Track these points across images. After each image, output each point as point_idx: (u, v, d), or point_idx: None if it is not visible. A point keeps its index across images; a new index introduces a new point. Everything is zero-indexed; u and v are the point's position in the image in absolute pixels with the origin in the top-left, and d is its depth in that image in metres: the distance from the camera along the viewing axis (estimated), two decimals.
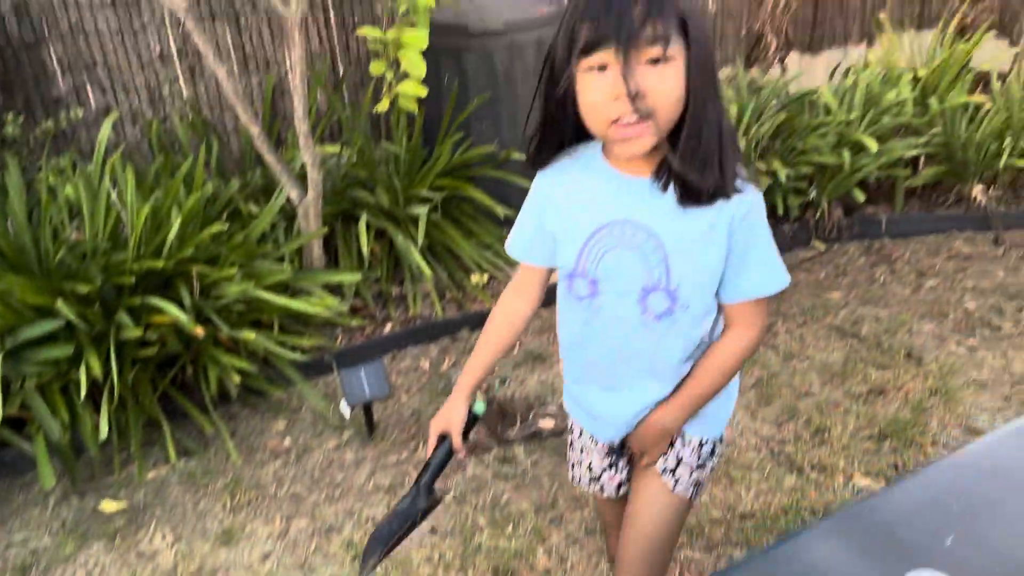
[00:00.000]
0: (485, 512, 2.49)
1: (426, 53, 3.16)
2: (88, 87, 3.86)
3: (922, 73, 4.40)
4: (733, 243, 1.27)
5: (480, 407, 1.54)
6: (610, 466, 1.67)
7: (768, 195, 3.86)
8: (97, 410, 2.68)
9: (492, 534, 2.40)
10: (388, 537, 1.46)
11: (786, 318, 3.44)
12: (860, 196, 3.94)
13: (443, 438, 1.53)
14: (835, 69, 4.85)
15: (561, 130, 1.31)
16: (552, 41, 1.25)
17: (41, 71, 3.73)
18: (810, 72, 5.49)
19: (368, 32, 3.23)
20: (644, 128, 1.17)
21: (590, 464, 1.68)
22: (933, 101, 4.15)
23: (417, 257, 3.60)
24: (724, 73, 5.38)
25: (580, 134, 1.30)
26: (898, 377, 2.99)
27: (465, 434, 1.55)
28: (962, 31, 5.51)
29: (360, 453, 2.80)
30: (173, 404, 2.92)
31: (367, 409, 2.84)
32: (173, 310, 2.56)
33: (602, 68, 1.16)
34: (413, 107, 3.24)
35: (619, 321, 1.39)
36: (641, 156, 1.22)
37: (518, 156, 3.95)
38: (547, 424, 2.88)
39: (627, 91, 1.13)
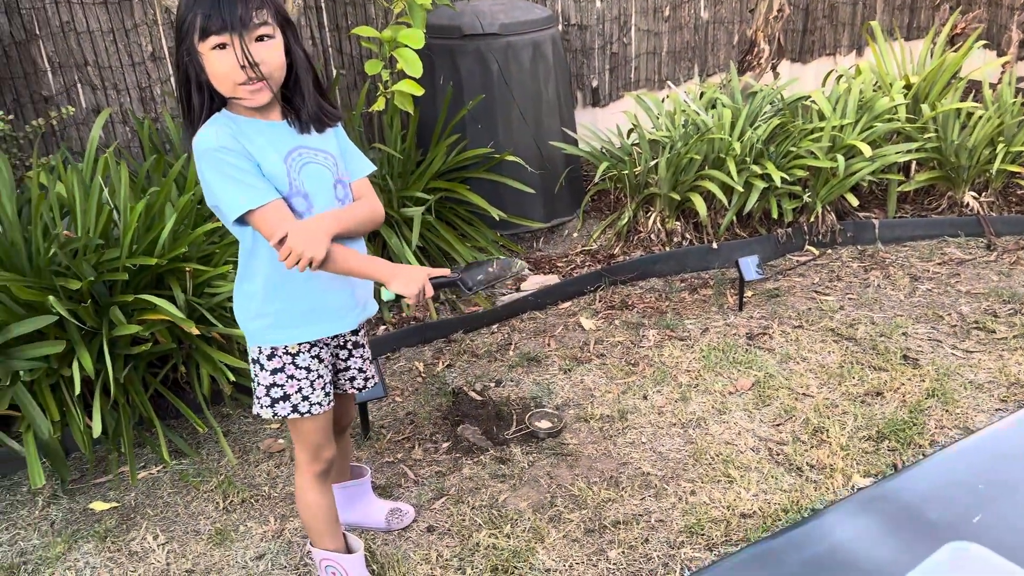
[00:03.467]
0: (482, 512, 2.46)
1: (421, 55, 3.15)
2: (79, 86, 3.82)
3: (914, 81, 4.43)
4: (341, 145, 1.89)
5: (388, 294, 1.88)
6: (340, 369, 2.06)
7: (762, 199, 3.87)
8: (86, 409, 2.63)
9: (490, 533, 2.37)
10: (489, 278, 1.93)
11: (781, 320, 3.44)
12: (853, 201, 3.96)
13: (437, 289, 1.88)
14: (827, 76, 4.88)
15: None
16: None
17: (31, 69, 3.70)
18: (800, 80, 5.52)
19: (363, 31, 3.21)
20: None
21: (324, 379, 1.93)
22: (925, 107, 4.18)
23: (411, 258, 3.57)
24: (716, 79, 5.41)
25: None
26: (895, 379, 2.99)
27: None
28: (952, 41, 5.57)
29: (355, 453, 2.76)
30: (164, 404, 2.88)
31: (363, 409, 2.81)
32: (168, 307, 2.52)
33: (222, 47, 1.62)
34: (409, 106, 3.22)
35: None
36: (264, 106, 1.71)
37: (513, 159, 3.94)
38: (543, 424, 2.86)
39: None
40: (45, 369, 2.55)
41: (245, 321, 1.86)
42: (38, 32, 3.66)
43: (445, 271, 1.90)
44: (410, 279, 1.80)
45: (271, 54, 1.66)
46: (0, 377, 2.49)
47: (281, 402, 1.89)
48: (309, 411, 1.91)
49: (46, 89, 3.74)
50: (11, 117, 3.55)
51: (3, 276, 2.50)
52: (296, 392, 1.89)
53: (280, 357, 1.87)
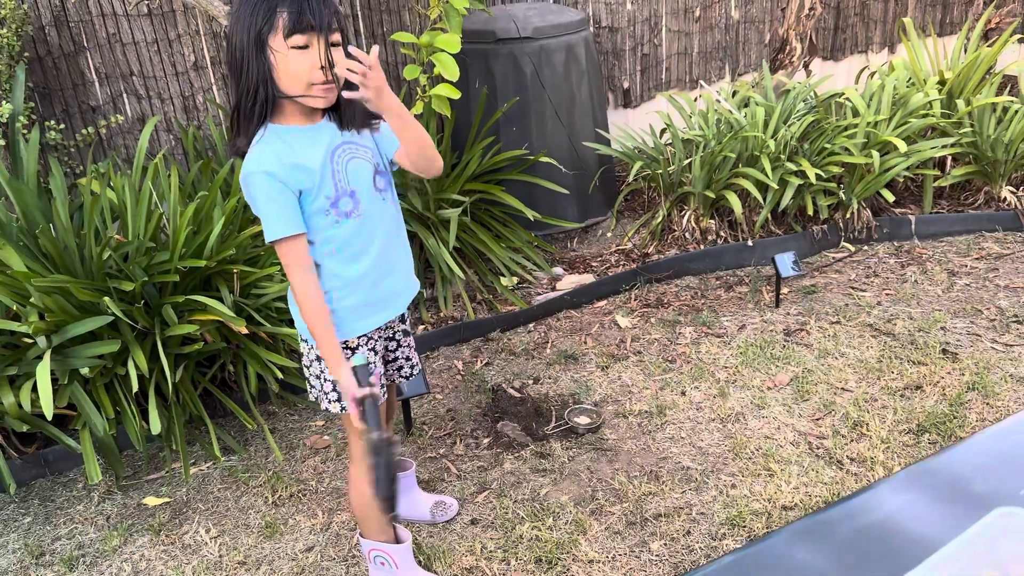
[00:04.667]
0: (524, 505, 2.50)
1: (455, 59, 3.21)
2: (124, 96, 3.94)
3: (948, 76, 4.41)
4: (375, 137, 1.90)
5: (359, 359, 1.80)
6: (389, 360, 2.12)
7: (798, 196, 3.88)
8: (138, 406, 2.71)
9: (533, 526, 2.41)
10: (391, 491, 1.74)
11: (818, 316, 3.44)
12: (889, 197, 3.95)
13: (361, 402, 1.76)
14: (860, 72, 4.87)
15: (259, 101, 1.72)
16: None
17: (80, 80, 3.81)
18: (832, 78, 5.51)
19: (402, 37, 3.28)
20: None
21: (380, 371, 1.99)
22: (960, 103, 4.16)
23: (448, 259, 3.63)
24: (747, 79, 5.42)
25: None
26: (934, 373, 2.99)
27: (363, 382, 1.77)
28: (986, 36, 5.52)
29: (397, 448, 2.81)
30: (212, 402, 2.96)
31: (405, 406, 2.86)
32: (219, 307, 2.60)
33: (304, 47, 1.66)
34: (446, 109, 3.28)
35: (372, 207, 1.85)
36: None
37: (547, 160, 3.99)
38: (582, 420, 2.90)
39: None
40: (100, 368, 2.63)
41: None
42: (86, 44, 3.78)
43: (366, 392, 1.77)
44: (343, 387, 1.82)
45: (340, 58, 1.72)
46: (58, 375, 2.58)
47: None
48: None
49: (93, 99, 3.86)
50: (62, 126, 3.67)
51: (59, 278, 2.60)
52: None
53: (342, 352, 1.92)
